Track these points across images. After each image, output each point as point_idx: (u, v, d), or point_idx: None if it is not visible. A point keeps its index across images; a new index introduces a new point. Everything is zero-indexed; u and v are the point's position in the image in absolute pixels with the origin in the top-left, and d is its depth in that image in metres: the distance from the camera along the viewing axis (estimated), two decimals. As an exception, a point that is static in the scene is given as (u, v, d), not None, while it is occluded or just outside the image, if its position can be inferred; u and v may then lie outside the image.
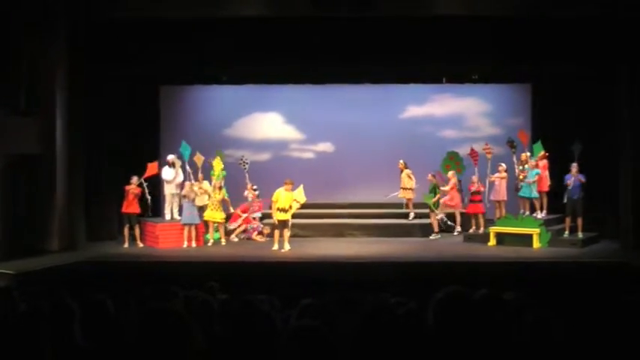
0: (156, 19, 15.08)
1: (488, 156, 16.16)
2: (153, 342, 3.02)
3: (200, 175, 15.73)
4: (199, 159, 16.03)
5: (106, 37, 15.08)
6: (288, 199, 14.35)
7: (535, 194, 15.22)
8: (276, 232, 14.55)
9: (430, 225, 16.23)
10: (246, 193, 16.53)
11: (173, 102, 18.84)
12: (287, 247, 14.40)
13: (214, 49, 15.61)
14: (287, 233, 14.52)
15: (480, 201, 15.85)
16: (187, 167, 15.79)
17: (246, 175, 16.87)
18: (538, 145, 15.62)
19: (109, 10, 14.80)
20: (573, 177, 14.50)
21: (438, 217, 16.17)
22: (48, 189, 14.50)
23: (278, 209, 14.32)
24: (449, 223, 16.28)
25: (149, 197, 15.56)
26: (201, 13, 14.92)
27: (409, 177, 16.59)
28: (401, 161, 16.82)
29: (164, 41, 15.32)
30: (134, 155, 16.48)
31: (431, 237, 16.08)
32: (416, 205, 16.93)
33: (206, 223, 15.55)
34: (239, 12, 15.40)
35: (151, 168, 15.65)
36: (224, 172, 16.37)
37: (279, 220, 14.42)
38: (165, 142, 17.58)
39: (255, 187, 16.69)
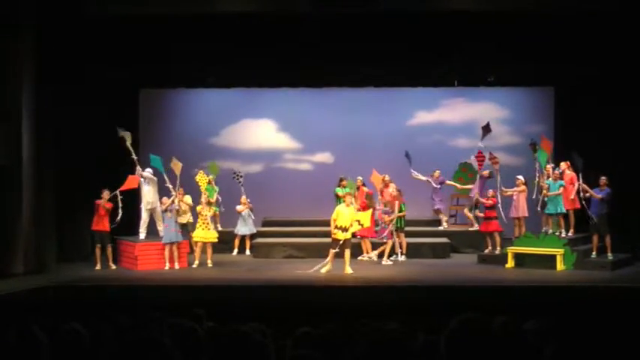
0: (134, 16, 15.09)
1: (496, 167, 15.91)
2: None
3: (180, 189, 15.67)
4: (176, 165, 15.83)
5: (80, 37, 15.11)
6: (349, 217, 14.35)
7: (562, 209, 15.09)
8: (331, 252, 14.46)
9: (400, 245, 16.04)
10: (239, 207, 16.58)
11: (154, 107, 18.86)
12: (349, 270, 14.32)
13: (200, 48, 15.64)
14: (347, 255, 14.42)
15: (496, 217, 15.73)
16: (165, 178, 15.58)
17: (242, 189, 16.93)
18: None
19: (83, 8, 14.81)
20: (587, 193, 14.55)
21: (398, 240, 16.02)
22: (13, 204, 14.46)
23: (337, 227, 14.30)
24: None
25: (120, 212, 15.17)
26: (186, 8, 14.95)
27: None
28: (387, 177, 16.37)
29: (144, 40, 15.35)
30: (110, 167, 16.43)
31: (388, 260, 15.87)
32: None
33: (191, 244, 15.53)
34: (228, 8, 15.41)
35: (131, 181, 15.52)
36: (217, 187, 16.29)
37: (335, 239, 14.37)
38: (145, 153, 17.36)
39: (248, 200, 16.80)
